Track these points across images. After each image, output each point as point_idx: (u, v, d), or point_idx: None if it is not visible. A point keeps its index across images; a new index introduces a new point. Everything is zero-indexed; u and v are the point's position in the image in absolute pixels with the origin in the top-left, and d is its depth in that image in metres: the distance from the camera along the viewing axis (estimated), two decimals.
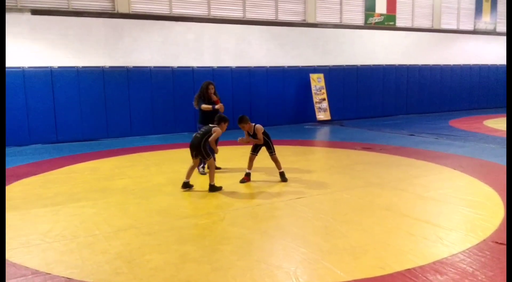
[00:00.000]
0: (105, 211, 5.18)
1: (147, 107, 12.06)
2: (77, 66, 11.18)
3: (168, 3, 12.35)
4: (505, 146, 9.18)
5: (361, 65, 15.59)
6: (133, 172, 7.37)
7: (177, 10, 12.48)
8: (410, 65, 16.69)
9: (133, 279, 3.41)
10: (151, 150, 9.58)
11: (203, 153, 6.01)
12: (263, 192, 5.96)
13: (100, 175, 7.18)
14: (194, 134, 6.24)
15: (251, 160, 6.61)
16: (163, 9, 12.31)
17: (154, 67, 12.11)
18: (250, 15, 13.60)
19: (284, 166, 6.73)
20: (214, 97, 7.29)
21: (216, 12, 13.05)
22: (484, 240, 4.08)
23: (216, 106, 7.19)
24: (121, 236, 4.34)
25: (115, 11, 11.61)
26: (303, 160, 8.35)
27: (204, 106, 7.18)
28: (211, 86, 7.28)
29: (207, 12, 12.92)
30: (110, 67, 11.60)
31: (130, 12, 11.79)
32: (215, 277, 3.41)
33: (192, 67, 12.59)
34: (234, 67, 13.23)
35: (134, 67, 11.88)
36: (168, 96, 12.29)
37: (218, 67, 12.98)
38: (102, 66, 11.50)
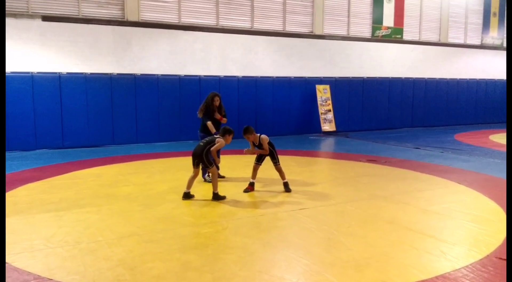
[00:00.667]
0: (109, 218, 5.20)
1: (153, 115, 12.13)
2: (85, 73, 11.29)
3: (177, 12, 12.48)
4: None
5: (367, 77, 15.62)
6: (137, 179, 7.39)
7: (186, 20, 12.60)
8: (416, 78, 16.70)
9: None
10: (156, 157, 9.62)
11: (205, 162, 6.03)
12: (266, 202, 5.96)
13: (105, 181, 7.22)
14: (198, 143, 6.27)
15: (255, 170, 6.63)
16: (172, 18, 12.44)
17: (162, 75, 12.20)
18: (258, 26, 13.70)
19: (288, 177, 6.73)
20: (218, 116, 7.33)
21: (224, 22, 13.17)
22: (487, 255, 4.05)
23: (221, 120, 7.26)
24: (124, 243, 4.35)
25: (125, 19, 11.74)
26: (307, 170, 8.34)
27: (209, 124, 7.22)
28: (216, 98, 7.34)
29: (215, 22, 13.03)
30: (118, 74, 11.70)
31: (139, 21, 11.92)
32: None
33: (199, 76, 12.67)
34: (240, 77, 13.30)
35: (141, 75, 11.98)
36: (175, 104, 12.36)
37: (224, 76, 13.05)
38: (110, 74, 11.60)
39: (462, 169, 8.32)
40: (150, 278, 3.55)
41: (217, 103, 7.34)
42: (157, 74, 12.14)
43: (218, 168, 6.64)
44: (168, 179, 7.40)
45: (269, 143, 6.54)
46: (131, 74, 11.85)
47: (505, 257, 4.01)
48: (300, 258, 3.98)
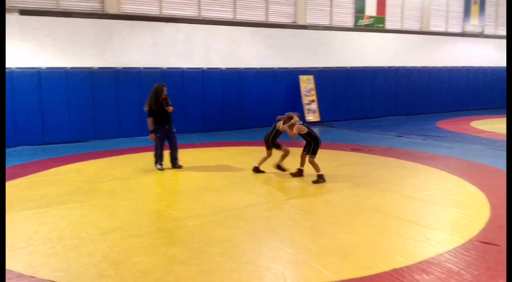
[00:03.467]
0: (92, 213, 5.14)
1: (136, 109, 11.95)
2: (65, 67, 11.08)
3: (158, 4, 12.30)
4: (492, 147, 9.28)
5: (350, 67, 15.66)
6: (121, 173, 7.31)
7: (167, 11, 12.44)
8: (399, 67, 16.81)
9: (120, 281, 3.38)
10: (139, 151, 9.52)
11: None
12: (253, 194, 5.95)
13: (87, 176, 7.12)
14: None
15: (302, 158, 6.86)
16: (153, 10, 12.26)
17: (144, 68, 12.04)
18: (240, 17, 13.59)
19: (273, 168, 6.74)
20: (170, 109, 7.47)
21: (206, 14, 13.03)
22: (469, 239, 4.12)
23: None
24: (108, 238, 4.30)
25: (105, 12, 11.53)
26: (292, 161, 8.33)
27: (150, 121, 7.39)
28: (165, 88, 7.45)
29: (197, 13, 12.90)
30: (99, 68, 11.51)
31: (120, 13, 11.72)
32: (203, 279, 3.40)
33: (182, 68, 12.55)
34: (224, 68, 13.21)
35: (123, 68, 11.81)
36: None
37: (208, 68, 12.95)
38: (91, 67, 11.41)
39: (445, 156, 8.43)
40: (135, 272, 3.52)
41: (165, 94, 7.43)
42: (139, 68, 11.99)
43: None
44: (152, 173, 7.33)
45: (308, 134, 6.63)
46: (112, 68, 11.67)
47: (486, 241, 4.08)
48: (286, 248, 3.99)
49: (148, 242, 4.19)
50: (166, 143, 7.62)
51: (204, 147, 10.09)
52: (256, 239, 4.28)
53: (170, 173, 7.29)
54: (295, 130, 6.56)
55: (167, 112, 7.46)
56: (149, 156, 7.86)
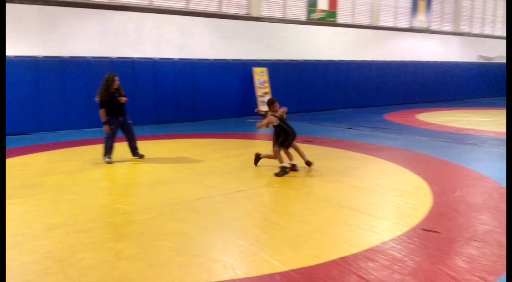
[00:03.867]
0: (36, 209, 4.92)
1: (84, 100, 11.54)
2: (8, 56, 10.47)
3: None
4: (436, 139, 9.73)
5: (303, 60, 15.86)
6: (67, 167, 7.04)
7: None
8: (350, 61, 17.20)
9: (64, 279, 3.27)
10: (87, 143, 9.21)
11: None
12: (204, 186, 5.92)
13: (31, 170, 6.80)
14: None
15: (285, 153, 6.71)
16: None
17: (92, 57, 11.62)
18: (193, 7, 13.39)
19: (226, 160, 6.74)
20: (123, 99, 7.34)
21: (157, 2, 12.72)
22: (413, 227, 4.30)
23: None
24: (52, 234, 4.14)
25: None
26: (246, 153, 8.36)
27: (102, 112, 7.25)
28: (116, 78, 7.31)
29: (148, 2, 12.57)
30: (45, 57, 10.99)
31: (66, 0, 11.22)
32: (151, 274, 3.35)
33: (133, 58, 12.22)
34: (176, 59, 12.99)
35: (70, 57, 11.34)
36: None
37: (160, 59, 12.68)
38: (36, 56, 10.87)
39: (391, 147, 8.74)
40: (80, 269, 3.41)
41: (117, 84, 7.29)
42: (87, 57, 11.55)
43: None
44: (100, 166, 7.11)
45: (279, 126, 6.59)
46: (58, 57, 11.18)
47: (428, 228, 4.28)
48: (237, 240, 4.00)
49: (95, 237, 4.07)
50: (119, 135, 7.43)
51: (156, 139, 9.91)
52: (207, 231, 4.27)
53: (119, 166, 7.11)
54: (265, 121, 6.59)
55: (120, 103, 7.28)
56: (97, 149, 7.63)
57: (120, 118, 7.36)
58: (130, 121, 7.55)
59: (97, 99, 7.25)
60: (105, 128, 7.27)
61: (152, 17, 12.59)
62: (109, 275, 3.31)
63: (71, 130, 11.20)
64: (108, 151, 7.34)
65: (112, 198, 5.37)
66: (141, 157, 7.56)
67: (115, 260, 3.58)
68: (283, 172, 6.36)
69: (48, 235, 4.11)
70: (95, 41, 11.74)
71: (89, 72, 11.50)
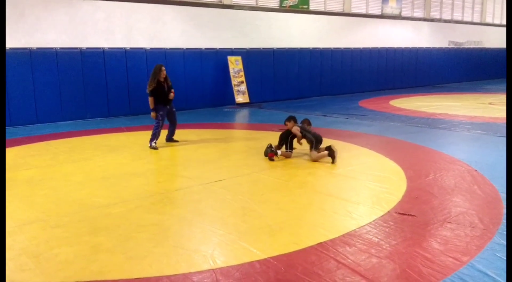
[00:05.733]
0: (9, 205, 4.79)
1: (54, 92, 11.26)
2: None
3: None
4: (409, 124, 9.92)
5: (277, 48, 15.83)
6: (39, 161, 6.87)
7: None
8: (323, 48, 17.27)
9: (40, 274, 3.21)
10: (60, 137, 8.99)
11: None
12: (181, 177, 5.89)
13: None
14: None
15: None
16: None
17: (61, 48, 11.30)
18: None
19: (203, 150, 6.70)
20: (172, 95, 7.77)
21: None
22: (388, 211, 4.40)
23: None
24: (26, 230, 4.05)
25: None
26: (222, 142, 8.35)
27: (150, 100, 7.58)
28: (163, 69, 7.62)
29: None
30: (11, 48, 10.62)
31: None
32: (130, 266, 3.32)
33: (103, 48, 11.94)
34: (148, 48, 12.76)
35: (38, 48, 10.99)
36: (78, 80, 11.55)
37: (131, 48, 12.43)
38: None
39: (366, 133, 8.87)
40: (57, 264, 3.35)
41: (164, 74, 7.61)
42: (55, 48, 11.22)
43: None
44: (74, 160, 6.97)
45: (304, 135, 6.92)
46: (26, 48, 10.82)
47: (403, 212, 4.38)
48: (216, 229, 4.01)
49: (70, 231, 4.00)
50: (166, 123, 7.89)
51: (129, 131, 9.76)
52: (185, 222, 4.25)
53: (94, 160, 6.98)
54: (295, 130, 6.89)
55: (166, 92, 7.67)
56: (71, 142, 7.46)
57: (168, 106, 7.80)
58: (174, 109, 8.01)
59: (148, 89, 7.60)
60: (152, 114, 7.67)
61: (121, 5, 12.28)
62: (87, 269, 3.27)
63: (42, 124, 10.91)
64: (155, 137, 7.64)
65: (87, 192, 5.27)
66: (176, 141, 8.05)
67: (93, 253, 3.53)
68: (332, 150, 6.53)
69: (22, 231, 4.02)
70: (63, 31, 11.39)
71: (58, 63, 11.20)
